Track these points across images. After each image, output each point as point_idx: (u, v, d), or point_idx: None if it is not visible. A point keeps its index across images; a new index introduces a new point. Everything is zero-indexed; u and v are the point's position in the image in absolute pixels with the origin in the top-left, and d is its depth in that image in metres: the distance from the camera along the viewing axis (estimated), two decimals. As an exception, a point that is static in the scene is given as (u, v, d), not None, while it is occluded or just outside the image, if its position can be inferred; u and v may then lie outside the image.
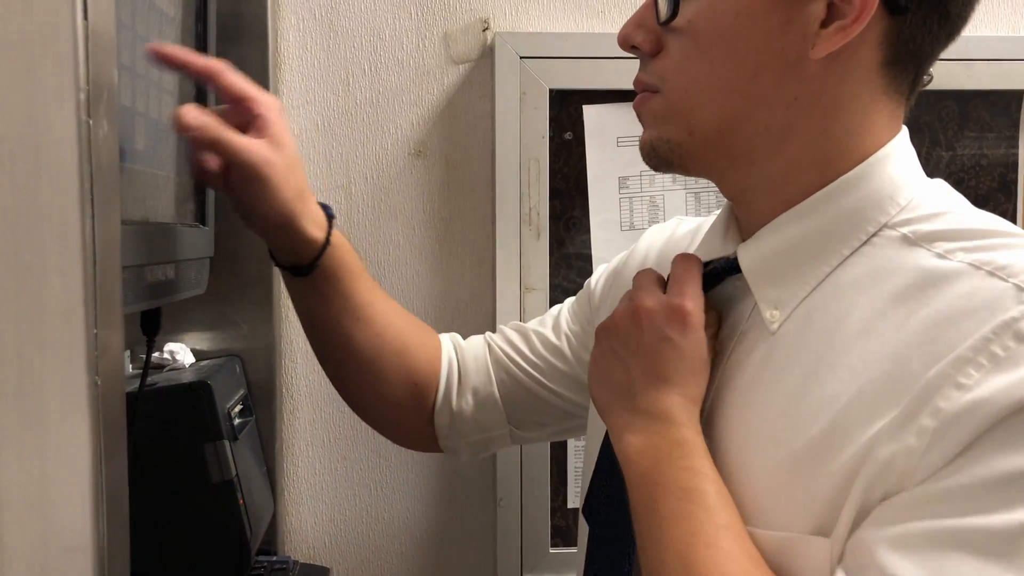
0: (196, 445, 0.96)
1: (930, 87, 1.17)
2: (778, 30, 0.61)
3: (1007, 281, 0.56)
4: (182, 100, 0.91)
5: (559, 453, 1.21)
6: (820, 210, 0.64)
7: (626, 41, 0.68)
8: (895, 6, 0.60)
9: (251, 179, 0.77)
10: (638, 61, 0.71)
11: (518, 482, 1.20)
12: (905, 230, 0.63)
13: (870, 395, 0.57)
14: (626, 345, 0.68)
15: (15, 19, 0.49)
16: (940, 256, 0.60)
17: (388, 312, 0.93)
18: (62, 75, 0.49)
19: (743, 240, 0.69)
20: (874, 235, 0.63)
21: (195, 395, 0.96)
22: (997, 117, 1.21)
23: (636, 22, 0.67)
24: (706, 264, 0.71)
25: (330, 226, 0.85)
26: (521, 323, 0.98)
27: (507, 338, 0.96)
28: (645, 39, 0.66)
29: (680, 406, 0.65)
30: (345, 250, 0.86)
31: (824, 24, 0.61)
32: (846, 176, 0.64)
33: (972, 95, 1.20)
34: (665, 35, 0.65)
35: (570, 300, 0.98)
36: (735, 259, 0.68)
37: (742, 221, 0.70)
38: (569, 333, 0.93)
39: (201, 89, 0.95)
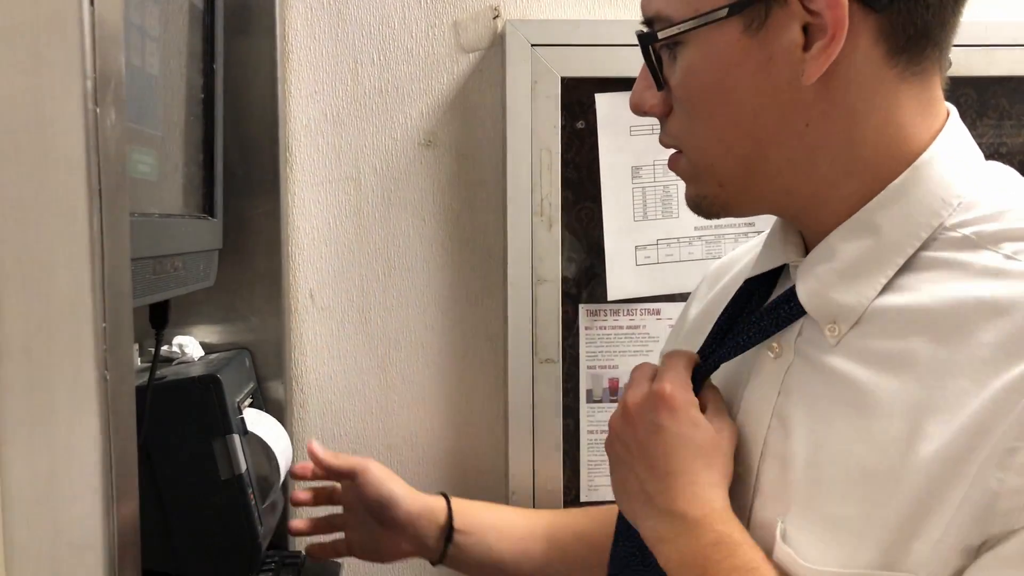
0: (205, 439, 0.96)
1: (949, 73, 1.15)
2: (762, 69, 0.60)
3: None
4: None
5: (572, 447, 1.20)
6: (872, 221, 0.62)
7: (639, 108, 0.68)
8: (874, 2, 0.58)
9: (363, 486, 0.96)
10: None
11: (531, 476, 1.19)
12: (967, 231, 0.59)
13: (958, 424, 0.53)
14: (627, 447, 0.66)
15: (21, 7, 0.48)
16: (1008, 258, 0.56)
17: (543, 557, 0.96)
18: (69, 63, 0.48)
19: (806, 247, 0.67)
20: (931, 239, 0.60)
21: (204, 389, 0.95)
22: (1017, 104, 1.19)
23: (644, 86, 0.67)
24: (763, 295, 0.71)
25: (449, 515, 0.96)
26: None
27: None
28: (653, 104, 0.67)
29: (700, 499, 0.62)
30: (472, 535, 0.96)
31: (806, 48, 0.59)
32: (891, 186, 0.61)
33: (991, 82, 1.18)
34: (669, 96, 0.66)
35: None
36: (791, 292, 0.65)
37: (805, 235, 0.68)
38: None
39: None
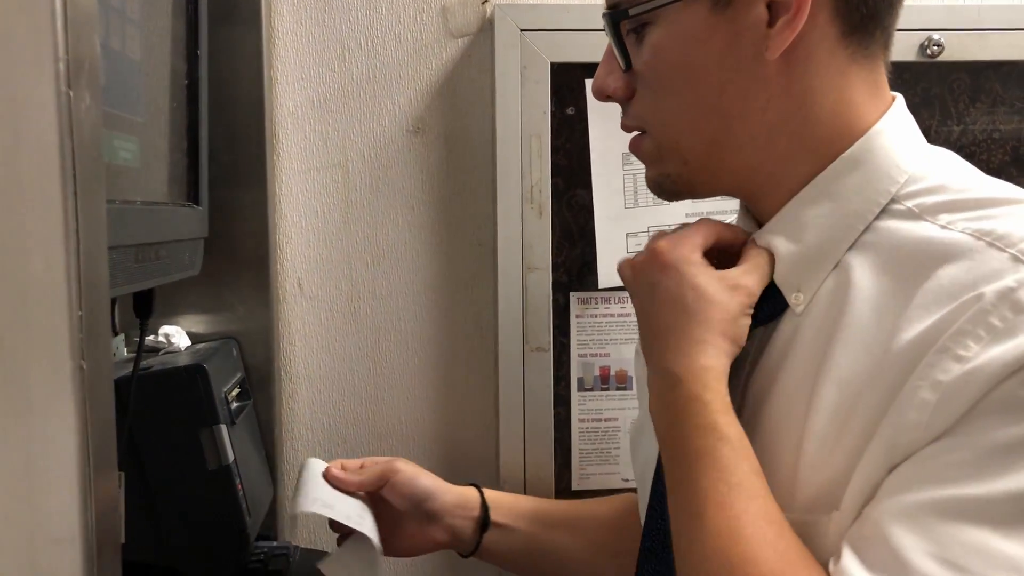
0: (192, 430, 0.94)
1: (942, 58, 1.15)
2: (728, 45, 0.63)
3: (1005, 251, 0.56)
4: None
5: (563, 435, 1.19)
6: (828, 191, 0.65)
7: (601, 92, 0.69)
8: None
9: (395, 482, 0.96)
10: None
11: (521, 465, 1.18)
12: (910, 203, 0.63)
13: (876, 373, 0.58)
14: (639, 306, 0.70)
15: (-11, -14, 0.47)
16: (943, 228, 0.60)
17: (570, 547, 0.97)
18: (39, 45, 0.47)
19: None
20: (884, 210, 0.64)
21: (191, 379, 0.94)
22: (1010, 89, 1.18)
23: (606, 71, 0.69)
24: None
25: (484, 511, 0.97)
26: None
27: None
28: (616, 87, 0.68)
29: (684, 356, 0.63)
30: (505, 526, 0.96)
31: (770, 24, 0.62)
32: (844, 155, 0.64)
33: (984, 66, 1.17)
34: (633, 79, 0.67)
35: None
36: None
37: (757, 216, 0.71)
38: None
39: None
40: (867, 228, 0.64)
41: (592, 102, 1.16)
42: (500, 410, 1.17)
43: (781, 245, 0.66)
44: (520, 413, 1.17)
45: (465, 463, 1.21)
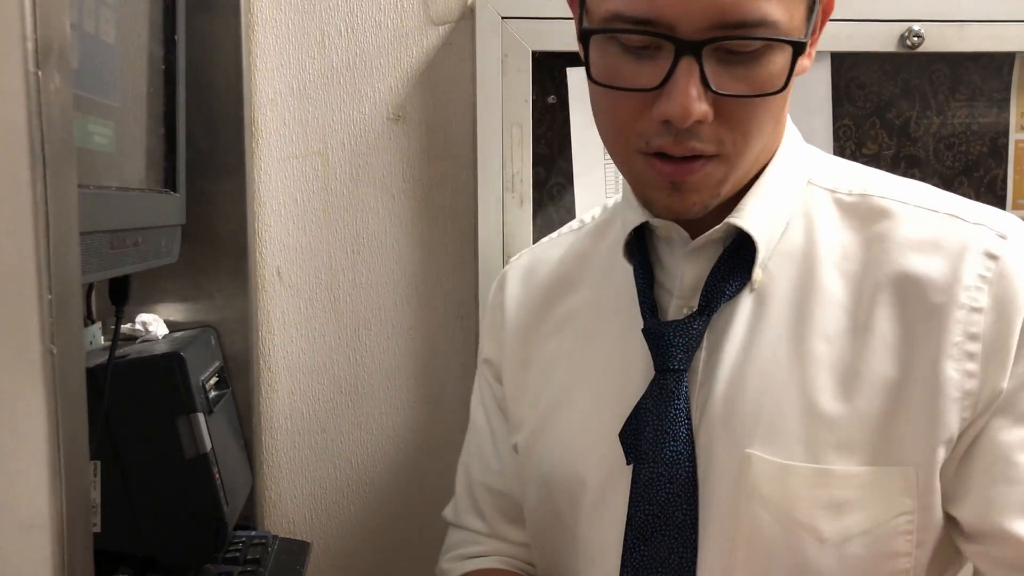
0: (169, 418, 0.94)
1: (921, 49, 1.15)
2: (793, 67, 0.66)
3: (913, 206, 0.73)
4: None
5: (543, 424, 1.19)
6: (774, 185, 0.74)
7: (689, 116, 0.64)
8: None
9: None
10: None
11: (502, 454, 1.18)
12: (822, 184, 0.76)
13: (878, 322, 0.69)
14: None
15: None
16: (849, 196, 0.75)
17: None
18: (7, 24, 0.46)
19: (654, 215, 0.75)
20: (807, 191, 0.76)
21: (168, 367, 0.94)
22: (989, 80, 1.19)
23: (696, 94, 0.64)
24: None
25: None
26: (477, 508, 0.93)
27: (507, 537, 0.91)
28: (706, 112, 0.65)
29: None
30: None
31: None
32: (781, 150, 0.75)
33: (963, 58, 1.17)
34: (716, 100, 0.65)
35: (481, 426, 0.94)
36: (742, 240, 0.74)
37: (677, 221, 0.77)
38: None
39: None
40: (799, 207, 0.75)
41: (574, 91, 1.15)
42: (480, 399, 1.16)
43: (757, 227, 0.73)
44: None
45: (443, 454, 1.21)
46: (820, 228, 0.74)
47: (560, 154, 1.16)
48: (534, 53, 1.13)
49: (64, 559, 0.49)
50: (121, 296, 0.90)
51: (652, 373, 0.74)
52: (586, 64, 0.69)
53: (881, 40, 1.14)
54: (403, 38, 1.16)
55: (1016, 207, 1.20)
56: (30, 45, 0.47)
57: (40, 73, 0.47)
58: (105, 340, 1.08)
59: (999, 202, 1.20)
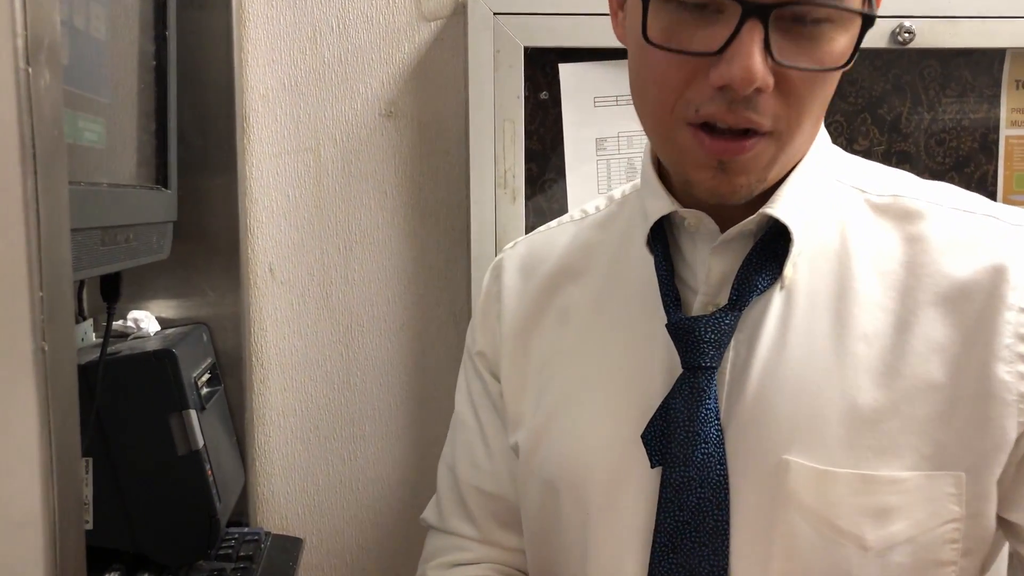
0: (162, 415, 0.94)
1: (912, 45, 1.15)
2: (860, 42, 0.63)
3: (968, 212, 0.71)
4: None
5: (536, 420, 1.19)
6: (807, 180, 0.70)
7: (752, 82, 0.60)
8: None
9: None
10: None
11: (494, 450, 1.18)
12: (851, 183, 0.74)
13: (921, 324, 0.66)
14: None
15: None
16: (880, 196, 0.72)
17: None
18: (-4, 19, 0.46)
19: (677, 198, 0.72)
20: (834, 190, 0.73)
21: (160, 364, 0.94)
22: (980, 76, 1.19)
23: (760, 57, 0.59)
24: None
25: None
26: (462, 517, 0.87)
27: (499, 543, 0.85)
28: (768, 82, 0.61)
29: None
30: None
31: None
32: (815, 146, 0.71)
33: (954, 54, 1.18)
34: (777, 71, 0.61)
35: (470, 423, 0.87)
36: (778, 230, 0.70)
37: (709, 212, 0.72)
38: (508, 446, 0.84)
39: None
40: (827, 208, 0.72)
41: (566, 87, 1.15)
42: (473, 395, 1.16)
43: (792, 219, 0.69)
44: (493, 398, 1.17)
45: (436, 449, 1.20)
46: (853, 228, 0.71)
47: (552, 150, 1.16)
48: (526, 49, 1.13)
49: (56, 556, 0.49)
50: (113, 293, 0.90)
51: (676, 371, 0.70)
52: (643, 24, 0.62)
53: (872, 36, 1.14)
54: (395, 34, 1.16)
55: (1006, 203, 1.21)
56: (20, 42, 0.46)
57: (30, 70, 0.47)
58: (97, 337, 1.08)
59: (989, 198, 1.20)
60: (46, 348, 0.49)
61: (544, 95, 1.16)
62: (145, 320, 1.07)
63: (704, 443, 0.67)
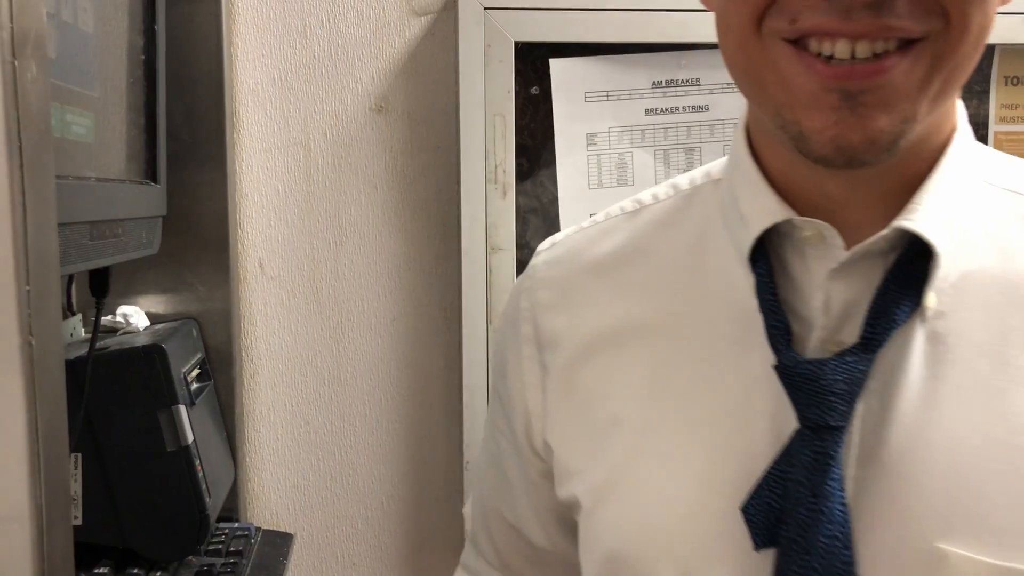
0: (151, 411, 0.93)
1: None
2: None
3: None
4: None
5: (526, 415, 1.19)
6: (952, 182, 0.54)
7: None
8: None
9: None
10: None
11: (485, 445, 1.18)
12: (1004, 185, 0.57)
13: None
14: None
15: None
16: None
17: None
18: (-19, 11, 0.46)
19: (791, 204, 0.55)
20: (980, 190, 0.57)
21: (148, 359, 0.93)
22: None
23: None
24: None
25: None
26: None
27: None
28: None
29: None
30: None
31: None
32: (953, 140, 0.55)
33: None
34: None
35: (513, 479, 0.71)
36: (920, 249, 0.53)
37: (836, 195, 0.54)
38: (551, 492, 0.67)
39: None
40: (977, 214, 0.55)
41: (557, 82, 1.15)
42: (464, 391, 1.16)
43: (937, 234, 0.52)
44: (483, 394, 1.17)
45: (428, 444, 1.21)
46: (1015, 245, 0.55)
47: (543, 145, 1.16)
48: (517, 44, 1.13)
49: (44, 551, 0.49)
50: (101, 288, 0.89)
51: (786, 426, 0.54)
52: None
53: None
54: (386, 28, 1.15)
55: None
56: (5, 34, 0.46)
57: (16, 62, 0.47)
58: (86, 332, 1.08)
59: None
60: (33, 342, 0.49)
61: (535, 90, 1.16)
62: (134, 315, 1.07)
63: (828, 523, 0.52)
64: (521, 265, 1.16)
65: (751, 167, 0.57)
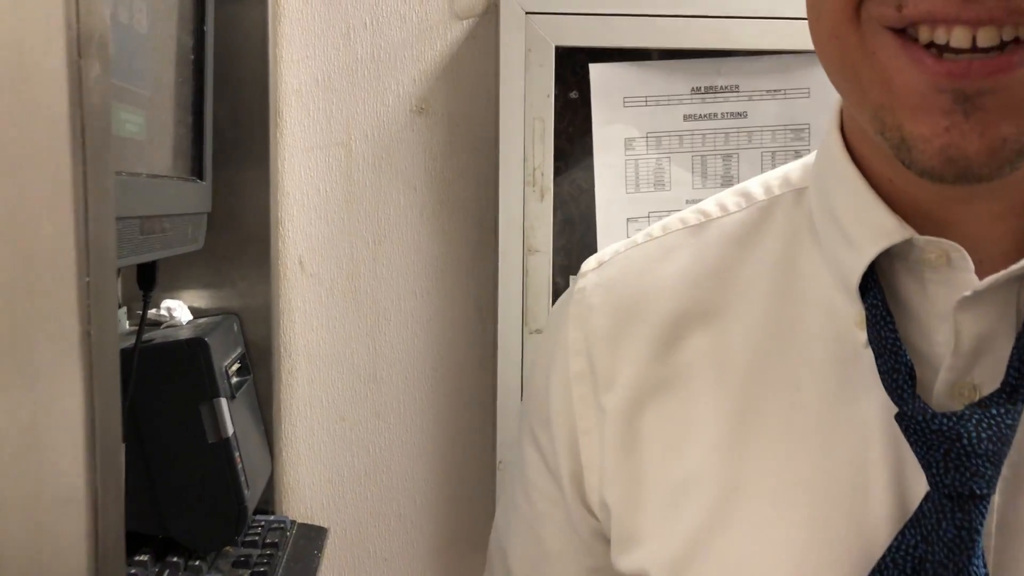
0: (193, 403, 0.95)
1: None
2: None
3: None
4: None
5: (559, 416, 1.20)
6: None
7: None
8: None
9: None
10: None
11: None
12: None
13: None
14: None
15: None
16: None
17: None
18: (51, 12, 0.48)
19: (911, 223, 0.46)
20: None
21: (192, 352, 0.95)
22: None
23: None
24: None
25: None
26: None
27: None
28: None
29: None
30: None
31: None
32: None
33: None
34: None
35: (551, 548, 0.61)
36: None
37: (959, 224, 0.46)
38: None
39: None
40: None
41: (596, 87, 1.16)
42: (498, 392, 1.18)
43: None
44: (517, 395, 1.18)
45: (461, 442, 1.22)
46: None
47: (581, 149, 1.17)
48: (557, 48, 1.14)
49: (98, 533, 0.51)
50: (148, 281, 0.91)
51: (913, 491, 0.46)
52: None
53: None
54: (427, 31, 1.17)
55: None
56: (72, 34, 0.48)
57: (82, 62, 0.49)
58: (130, 325, 1.10)
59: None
60: (92, 332, 0.51)
61: (574, 94, 1.17)
62: (178, 309, 1.09)
63: None
64: (557, 267, 1.17)
65: (854, 175, 0.48)
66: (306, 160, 1.18)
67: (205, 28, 0.96)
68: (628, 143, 1.17)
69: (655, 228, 0.60)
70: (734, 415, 0.51)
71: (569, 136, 1.17)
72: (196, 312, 1.13)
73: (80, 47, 0.49)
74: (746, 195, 0.56)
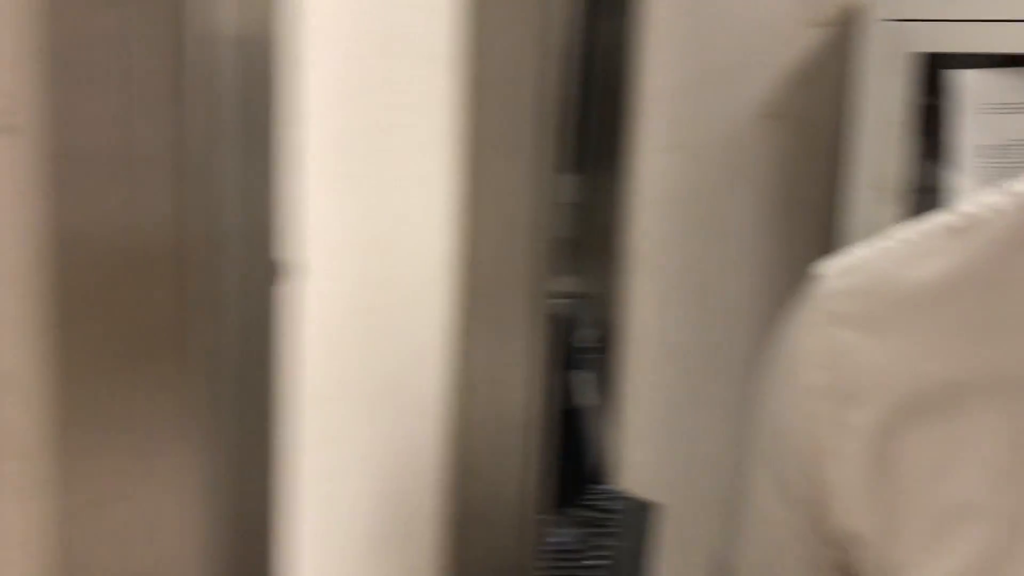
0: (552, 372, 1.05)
1: None
2: None
3: None
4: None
5: None
6: None
7: None
8: None
9: None
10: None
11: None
12: None
13: None
14: None
15: None
16: None
17: None
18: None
19: None
20: None
21: (556, 327, 1.05)
22: None
23: None
24: None
25: None
26: None
27: None
28: None
29: None
30: None
31: None
32: None
33: None
34: None
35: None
36: None
37: None
38: None
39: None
40: None
41: (955, 94, 1.14)
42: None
43: None
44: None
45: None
46: None
47: (935, 157, 1.15)
48: (913, 54, 1.13)
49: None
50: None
51: None
52: None
53: None
54: (781, 38, 1.20)
55: None
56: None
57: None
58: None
59: None
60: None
61: (929, 101, 1.15)
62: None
63: None
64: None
65: None
66: (658, 160, 1.25)
67: (594, 39, 1.06)
68: (986, 151, 1.14)
69: (909, 231, 0.53)
70: (1015, 438, 0.46)
71: (923, 143, 1.16)
72: (557, 295, 1.24)
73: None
74: (1017, 194, 0.51)
